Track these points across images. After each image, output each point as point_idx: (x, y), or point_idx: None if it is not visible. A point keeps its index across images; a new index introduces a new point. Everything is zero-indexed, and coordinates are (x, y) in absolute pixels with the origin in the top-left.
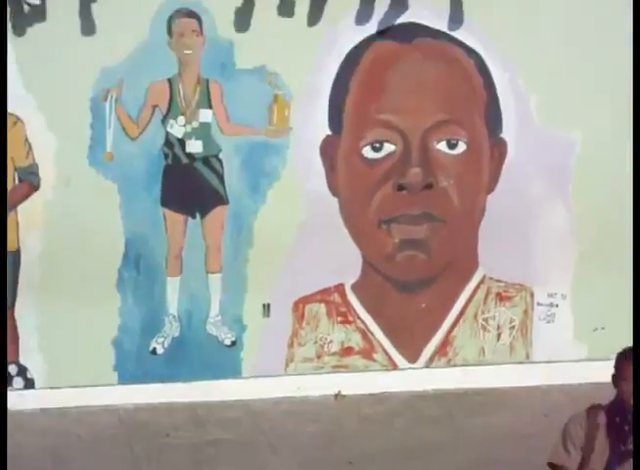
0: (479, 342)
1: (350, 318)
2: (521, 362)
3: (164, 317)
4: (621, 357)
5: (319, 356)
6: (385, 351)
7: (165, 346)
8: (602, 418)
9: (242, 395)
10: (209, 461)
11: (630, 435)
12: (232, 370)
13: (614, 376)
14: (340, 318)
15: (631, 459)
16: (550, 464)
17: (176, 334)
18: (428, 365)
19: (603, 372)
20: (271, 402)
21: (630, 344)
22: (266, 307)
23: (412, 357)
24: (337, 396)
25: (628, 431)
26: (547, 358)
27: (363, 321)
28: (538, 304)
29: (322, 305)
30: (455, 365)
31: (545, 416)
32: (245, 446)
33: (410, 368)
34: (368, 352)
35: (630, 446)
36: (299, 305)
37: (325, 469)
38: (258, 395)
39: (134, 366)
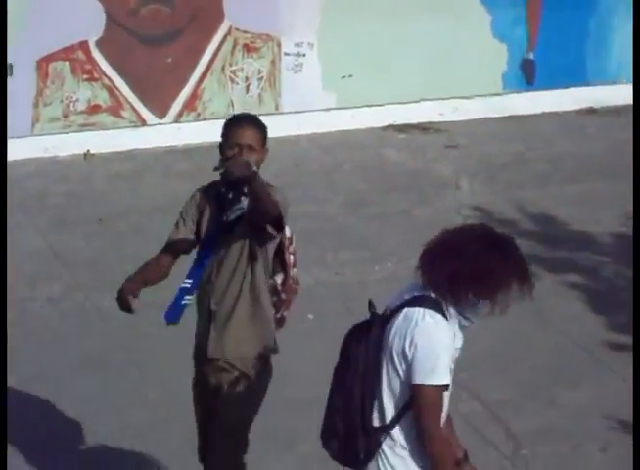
0: (227, 94)
1: (96, 75)
2: (270, 113)
3: None
4: (227, 124)
5: (66, 116)
6: (133, 107)
7: None
8: (213, 192)
9: None
10: None
11: (234, 204)
12: None
13: (221, 144)
14: (85, 76)
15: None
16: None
17: None
18: (177, 120)
19: (350, 120)
20: (19, 164)
21: (375, 91)
22: (9, 67)
23: (160, 113)
24: (85, 155)
25: (232, 199)
26: (296, 108)
27: (109, 78)
28: (286, 54)
29: (66, 62)
30: (205, 119)
31: (296, 166)
32: None
33: (159, 124)
34: (116, 110)
35: (232, 217)
36: (43, 64)
37: (75, 228)
38: None
39: None
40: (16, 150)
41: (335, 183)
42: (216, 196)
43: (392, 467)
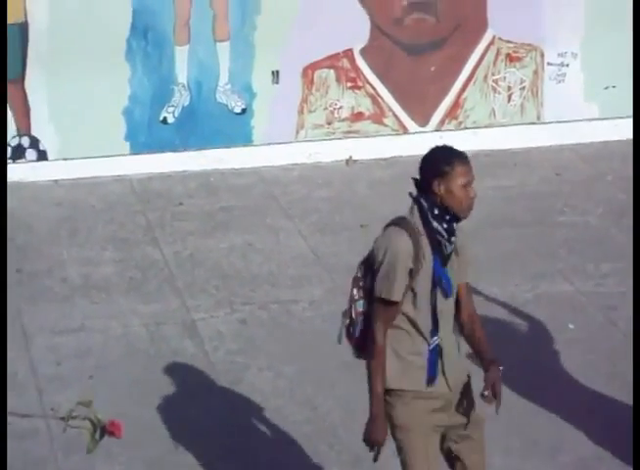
0: (489, 103)
1: (360, 83)
2: (532, 123)
3: (174, 86)
4: (453, 160)
5: (329, 122)
6: (395, 115)
7: (176, 115)
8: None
9: (253, 162)
10: (222, 227)
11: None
12: (243, 138)
13: (447, 183)
14: (349, 84)
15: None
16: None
17: (186, 103)
18: (438, 128)
19: (613, 131)
20: (282, 169)
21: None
22: (275, 74)
23: (422, 121)
24: (348, 161)
25: (449, 234)
26: (558, 118)
27: (372, 86)
28: (549, 63)
29: (331, 70)
30: (466, 128)
31: (557, 175)
32: (257, 212)
33: (421, 132)
34: (378, 117)
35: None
36: (309, 71)
37: (337, 232)
38: (270, 162)
39: (145, 136)
40: (280, 155)
41: (596, 193)
42: (433, 236)
43: None
